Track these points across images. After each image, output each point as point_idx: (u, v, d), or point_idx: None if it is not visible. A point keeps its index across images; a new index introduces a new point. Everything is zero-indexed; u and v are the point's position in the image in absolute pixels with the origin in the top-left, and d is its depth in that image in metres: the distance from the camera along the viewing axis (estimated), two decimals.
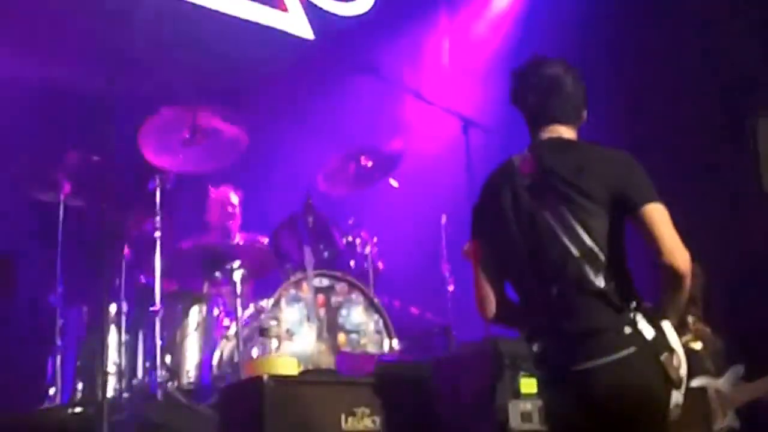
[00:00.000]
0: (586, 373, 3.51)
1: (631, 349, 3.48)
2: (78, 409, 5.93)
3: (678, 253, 3.52)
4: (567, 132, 3.88)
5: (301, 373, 5.31)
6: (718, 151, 7.38)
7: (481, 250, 3.93)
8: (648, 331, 3.52)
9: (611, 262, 3.59)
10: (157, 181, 6.36)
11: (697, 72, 7.63)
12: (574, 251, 3.58)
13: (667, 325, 3.59)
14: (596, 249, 3.57)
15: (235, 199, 7.37)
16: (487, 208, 3.94)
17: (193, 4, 7.83)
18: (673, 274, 3.53)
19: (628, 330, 3.51)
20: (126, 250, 6.41)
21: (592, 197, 3.60)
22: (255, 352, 6.09)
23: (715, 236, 6.89)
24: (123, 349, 6.29)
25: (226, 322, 6.54)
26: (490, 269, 3.89)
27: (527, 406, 4.97)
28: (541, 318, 3.69)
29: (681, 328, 6.46)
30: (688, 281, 3.56)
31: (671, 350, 3.54)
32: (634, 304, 3.56)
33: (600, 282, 3.56)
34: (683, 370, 3.57)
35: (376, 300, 6.55)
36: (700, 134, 7.53)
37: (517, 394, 5.00)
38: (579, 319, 3.57)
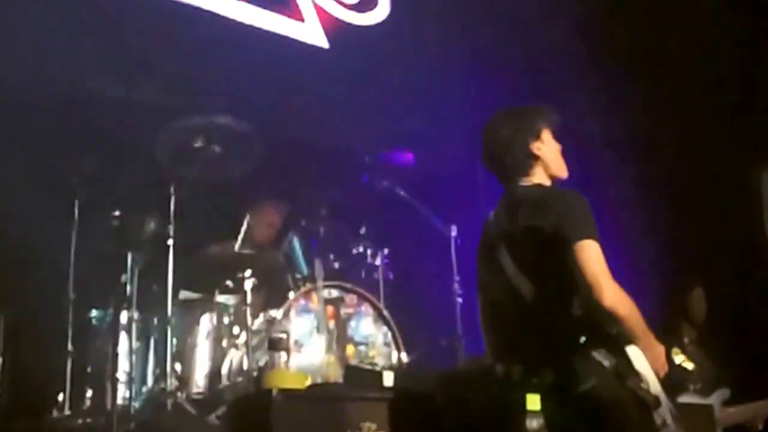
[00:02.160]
0: (564, 403, 3.66)
1: (592, 381, 3.59)
2: (88, 420, 5.98)
3: (604, 290, 3.59)
4: (526, 179, 4.06)
5: (309, 387, 5.33)
6: (729, 200, 7.70)
7: (479, 298, 4.20)
8: (606, 360, 3.60)
9: (559, 301, 3.72)
10: (172, 188, 6.37)
11: (708, 127, 7.83)
12: (524, 294, 3.76)
13: (631, 350, 3.67)
14: (543, 290, 3.74)
15: (277, 215, 7.41)
16: (478, 263, 4.20)
17: (212, 13, 7.86)
18: (602, 310, 3.62)
19: (584, 363, 3.62)
20: (139, 257, 6.46)
21: (532, 242, 3.77)
22: (263, 362, 6.11)
23: (725, 273, 7.20)
24: (133, 357, 6.34)
25: (235, 330, 6.56)
26: (486, 315, 4.15)
27: (533, 423, 4.97)
28: (516, 357, 3.85)
29: (678, 347, 6.68)
30: (622, 312, 3.64)
31: (637, 374, 3.62)
32: (584, 338, 3.63)
33: (550, 321, 3.72)
34: (655, 390, 3.65)
35: (385, 312, 6.59)
36: (713, 184, 7.84)
37: (523, 411, 5.01)
38: (539, 358, 3.72)
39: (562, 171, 4.14)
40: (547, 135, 4.11)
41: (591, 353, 3.63)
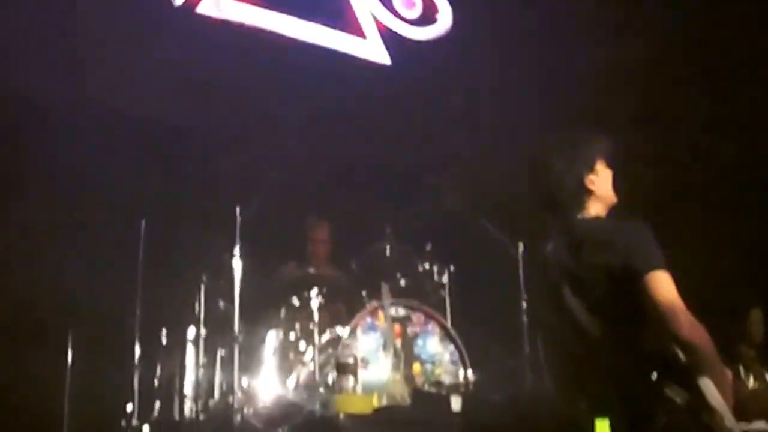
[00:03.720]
0: None
1: (664, 419, 3.49)
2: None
3: (681, 321, 3.48)
4: (582, 213, 3.85)
5: (376, 411, 5.34)
6: None
7: (542, 335, 4.14)
8: (678, 396, 3.51)
9: (630, 337, 3.60)
10: (239, 208, 6.43)
11: None
12: (592, 333, 3.62)
13: (703, 383, 3.56)
14: (611, 326, 3.60)
15: (326, 232, 7.48)
16: (540, 300, 4.19)
17: (274, 33, 7.91)
18: (679, 342, 3.48)
19: (655, 400, 3.50)
20: (205, 276, 6.55)
21: (599, 278, 3.62)
22: (330, 380, 6.13)
23: None
24: (200, 372, 6.43)
25: (302, 346, 6.59)
26: (550, 353, 4.02)
27: None
28: (584, 396, 3.70)
29: (736, 365, 6.64)
30: (698, 342, 3.50)
31: (710, 408, 3.53)
32: (655, 374, 3.56)
33: (620, 359, 3.57)
34: (730, 423, 3.54)
35: (452, 330, 6.57)
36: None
37: None
38: (609, 398, 3.57)
39: (613, 198, 4.03)
40: (601, 165, 3.90)
41: (663, 390, 3.56)
